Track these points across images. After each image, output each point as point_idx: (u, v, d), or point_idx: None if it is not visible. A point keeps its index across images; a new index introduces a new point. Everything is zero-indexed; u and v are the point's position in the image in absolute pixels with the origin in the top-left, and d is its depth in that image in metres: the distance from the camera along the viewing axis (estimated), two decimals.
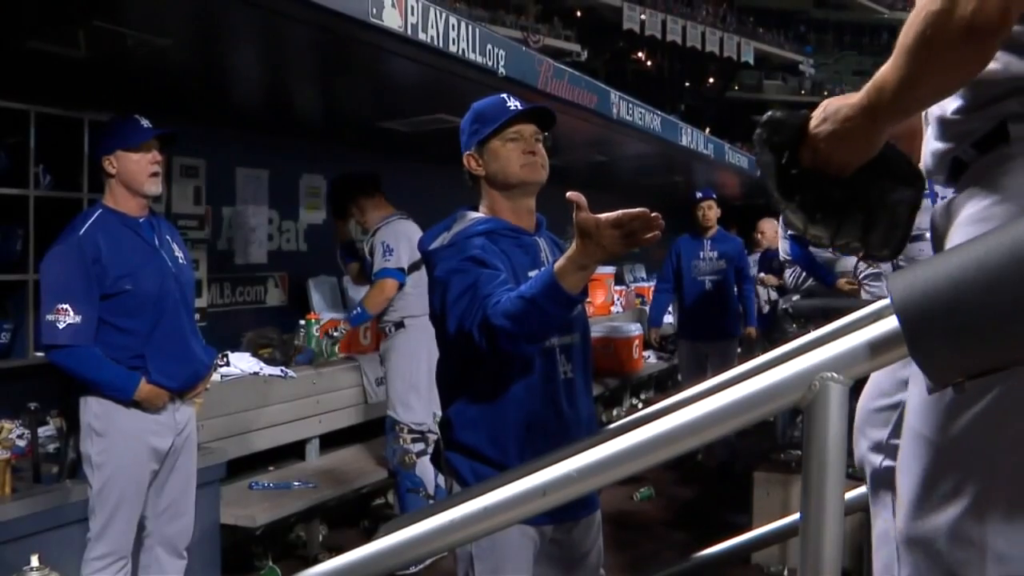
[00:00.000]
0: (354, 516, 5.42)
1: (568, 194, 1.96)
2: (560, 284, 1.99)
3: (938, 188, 1.48)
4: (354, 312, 5.03)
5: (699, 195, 6.89)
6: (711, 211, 6.80)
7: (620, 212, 1.92)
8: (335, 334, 5.33)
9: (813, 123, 1.46)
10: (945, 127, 1.42)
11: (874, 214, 1.52)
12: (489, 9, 31.49)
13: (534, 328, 2.09)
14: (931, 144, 1.46)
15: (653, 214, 1.91)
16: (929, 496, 1.36)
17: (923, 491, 1.37)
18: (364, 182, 5.09)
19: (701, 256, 6.79)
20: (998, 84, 1.31)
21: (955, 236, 1.36)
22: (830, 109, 1.44)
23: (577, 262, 1.98)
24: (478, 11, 29.25)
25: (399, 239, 4.82)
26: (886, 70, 1.32)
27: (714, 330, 6.74)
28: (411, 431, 4.87)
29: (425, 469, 4.78)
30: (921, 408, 1.38)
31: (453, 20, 4.14)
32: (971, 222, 1.33)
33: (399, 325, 4.95)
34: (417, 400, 4.79)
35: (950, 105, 1.39)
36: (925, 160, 1.50)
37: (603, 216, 1.93)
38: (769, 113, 1.54)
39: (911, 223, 1.52)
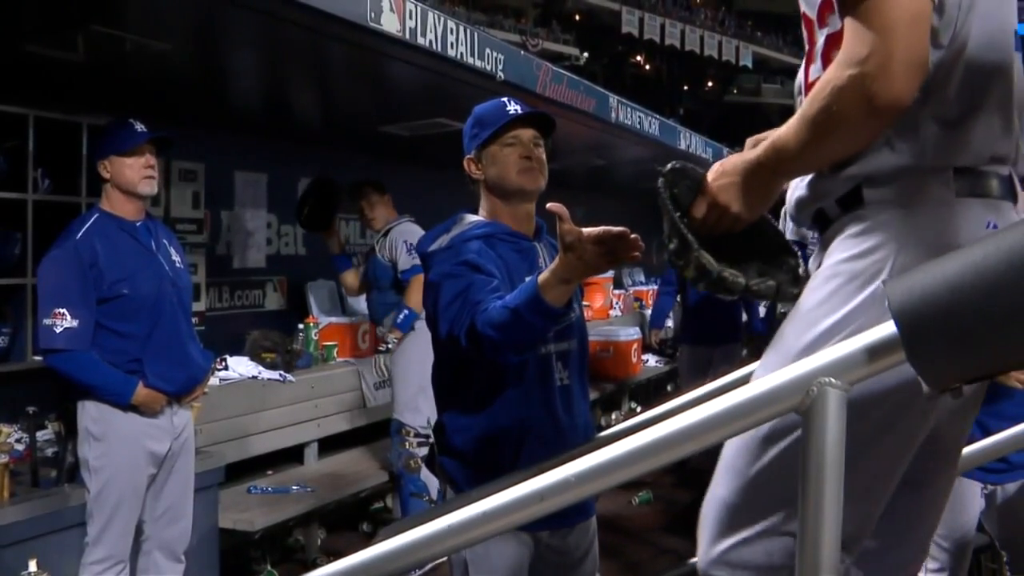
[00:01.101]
0: (352, 520, 5.42)
1: (549, 205, 1.93)
2: (543, 297, 1.96)
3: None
4: (401, 316, 4.91)
5: None
6: None
7: (602, 229, 1.90)
8: (389, 346, 5.02)
9: (711, 176, 1.51)
10: (809, 183, 1.50)
11: (768, 264, 1.56)
12: (488, 13, 31.51)
13: (518, 338, 2.07)
14: (796, 192, 1.54)
15: (633, 235, 1.90)
16: (732, 523, 1.47)
17: (727, 519, 1.48)
18: (374, 180, 5.09)
19: None
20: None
21: (812, 285, 1.46)
22: (728, 165, 1.50)
23: (559, 276, 1.95)
24: (476, 15, 29.26)
25: (417, 238, 4.81)
26: (786, 133, 1.40)
27: (718, 334, 6.72)
28: (417, 435, 4.85)
29: (429, 473, 4.75)
30: (736, 440, 1.47)
31: (451, 24, 4.14)
32: (824, 277, 1.44)
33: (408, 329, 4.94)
34: (426, 403, 4.76)
35: None
36: (789, 205, 1.57)
37: (586, 231, 1.91)
38: (671, 163, 1.57)
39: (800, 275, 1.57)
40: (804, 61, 1.52)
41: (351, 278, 5.31)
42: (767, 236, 1.60)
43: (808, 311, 1.43)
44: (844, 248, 1.42)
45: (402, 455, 4.90)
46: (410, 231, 4.90)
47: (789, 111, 1.51)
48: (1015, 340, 1.02)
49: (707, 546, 1.51)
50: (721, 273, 1.48)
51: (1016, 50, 1.50)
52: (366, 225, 5.31)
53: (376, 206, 5.05)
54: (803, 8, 1.52)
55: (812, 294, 1.44)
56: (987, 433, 2.57)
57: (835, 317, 1.39)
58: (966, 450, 1.97)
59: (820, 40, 1.46)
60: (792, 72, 1.67)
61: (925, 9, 1.29)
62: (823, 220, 1.49)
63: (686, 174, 1.54)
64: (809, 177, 1.50)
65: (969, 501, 3.09)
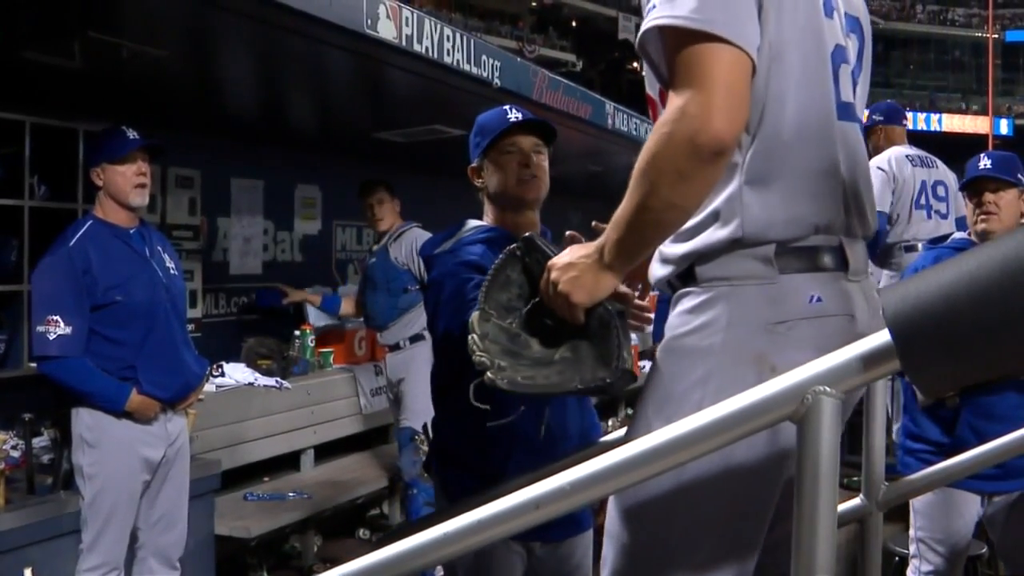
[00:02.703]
0: (349, 526, 5.41)
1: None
2: None
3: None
4: None
5: None
6: None
7: None
8: None
9: (558, 256, 1.53)
10: (660, 256, 1.55)
11: (602, 350, 1.53)
12: (484, 19, 31.53)
13: None
14: (653, 266, 1.59)
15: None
16: (628, 567, 1.53)
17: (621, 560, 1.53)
18: (386, 181, 5.10)
19: None
20: (689, 227, 1.46)
21: (657, 356, 1.53)
22: (575, 247, 1.52)
23: None
24: (473, 21, 29.28)
25: None
26: (620, 207, 1.40)
27: None
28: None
29: None
30: (611, 510, 1.55)
31: (448, 31, 4.15)
32: (662, 351, 1.50)
33: (418, 337, 4.92)
34: None
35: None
36: (650, 277, 1.61)
37: None
38: (529, 234, 1.61)
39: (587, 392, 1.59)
40: None
41: (348, 307, 5.32)
42: (603, 323, 1.55)
43: (653, 382, 1.51)
44: (679, 323, 1.47)
45: (416, 463, 4.83)
46: (425, 235, 4.87)
47: None
48: (1009, 348, 1.03)
49: None
50: (471, 337, 1.54)
51: (851, 120, 1.54)
52: (370, 224, 5.21)
53: (385, 205, 5.02)
54: (647, 90, 1.57)
55: (656, 366, 1.51)
56: (979, 436, 2.56)
57: (675, 390, 1.45)
58: (960, 457, 1.96)
59: None
60: None
61: (742, 58, 1.34)
62: (673, 289, 1.54)
63: (539, 248, 1.57)
64: (660, 253, 1.54)
65: (965, 507, 3.07)
